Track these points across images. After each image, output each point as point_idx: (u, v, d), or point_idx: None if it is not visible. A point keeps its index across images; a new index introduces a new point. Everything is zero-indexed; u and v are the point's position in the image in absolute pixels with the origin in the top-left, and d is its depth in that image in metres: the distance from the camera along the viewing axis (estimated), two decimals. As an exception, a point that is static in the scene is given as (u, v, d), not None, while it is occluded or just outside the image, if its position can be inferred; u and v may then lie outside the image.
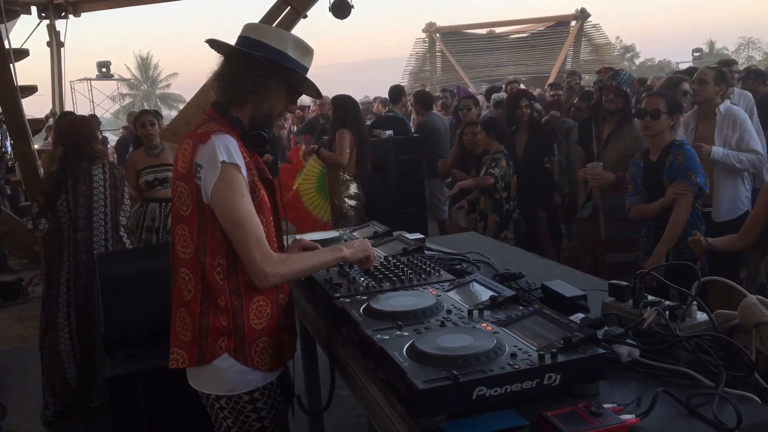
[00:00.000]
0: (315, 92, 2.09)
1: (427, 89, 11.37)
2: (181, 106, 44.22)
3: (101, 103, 24.85)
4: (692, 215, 3.42)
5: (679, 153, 3.39)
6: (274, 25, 7.84)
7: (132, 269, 3.05)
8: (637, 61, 51.76)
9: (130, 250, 3.35)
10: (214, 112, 1.95)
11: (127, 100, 45.36)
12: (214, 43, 2.03)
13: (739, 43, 54.36)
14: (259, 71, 1.90)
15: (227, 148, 1.82)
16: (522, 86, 8.84)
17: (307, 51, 1.98)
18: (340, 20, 8.07)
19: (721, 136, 4.08)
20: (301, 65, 1.97)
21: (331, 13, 8.18)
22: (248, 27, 1.99)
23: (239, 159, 1.84)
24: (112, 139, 16.09)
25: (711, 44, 50.75)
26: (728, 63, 5.85)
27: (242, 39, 1.95)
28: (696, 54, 32.35)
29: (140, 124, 4.79)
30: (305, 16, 8.04)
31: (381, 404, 1.53)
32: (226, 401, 1.92)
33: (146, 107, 42.70)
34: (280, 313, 1.98)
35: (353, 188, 5.42)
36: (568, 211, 5.55)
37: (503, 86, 9.75)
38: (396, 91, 7.35)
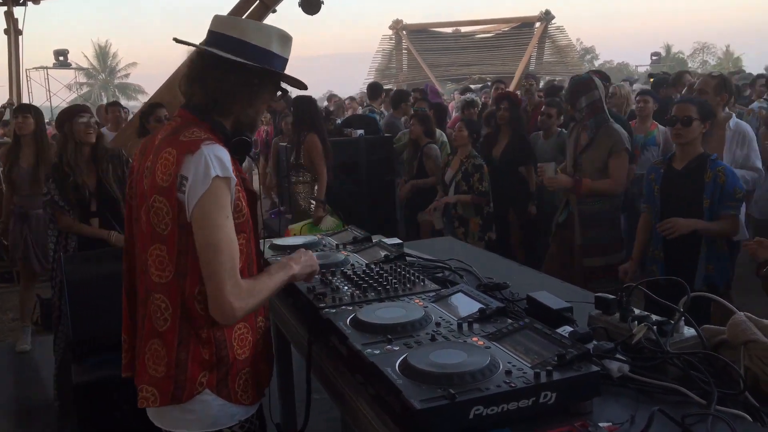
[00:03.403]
0: (299, 84, 1.89)
1: (387, 86, 11.48)
2: (141, 97, 43.61)
3: (58, 92, 24.14)
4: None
5: (719, 170, 3.27)
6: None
7: (100, 271, 2.94)
8: (597, 63, 52.80)
9: (99, 251, 3.24)
10: (191, 115, 1.74)
11: (85, 90, 44.26)
12: (194, 46, 1.83)
13: (695, 47, 56.01)
14: (252, 80, 1.74)
15: (220, 160, 1.64)
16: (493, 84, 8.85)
17: (288, 41, 1.81)
18: (310, 16, 7.99)
19: (730, 152, 3.97)
20: (284, 59, 1.81)
21: (300, 9, 8.09)
22: (224, 22, 1.78)
23: (232, 172, 1.66)
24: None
25: (668, 48, 52.06)
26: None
27: (221, 38, 1.74)
28: (654, 58, 33.16)
29: (156, 118, 4.51)
30: (274, 11, 7.94)
31: (372, 421, 1.51)
32: None
33: (104, 97, 41.88)
34: (260, 339, 1.85)
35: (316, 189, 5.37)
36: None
37: (471, 86, 9.79)
38: (374, 88, 7.33)
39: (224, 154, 1.66)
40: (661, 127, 5.50)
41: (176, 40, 1.88)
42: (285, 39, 1.80)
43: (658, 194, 3.48)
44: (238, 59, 1.71)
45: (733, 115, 4.09)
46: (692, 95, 4.17)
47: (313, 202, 5.25)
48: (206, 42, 1.78)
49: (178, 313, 1.68)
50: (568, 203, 4.26)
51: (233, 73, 1.72)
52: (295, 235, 4.81)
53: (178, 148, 1.66)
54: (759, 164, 4.04)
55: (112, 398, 2.71)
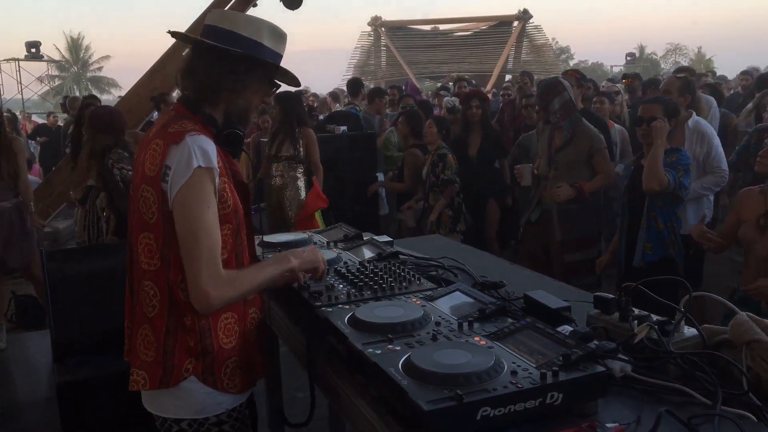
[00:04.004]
0: (293, 81, 1.94)
1: (366, 82, 11.50)
2: (114, 91, 43.04)
3: (29, 85, 23.64)
4: (671, 217, 3.56)
5: (674, 156, 3.44)
6: (223, 12, 7.62)
7: (83, 269, 2.87)
8: (572, 63, 53.33)
9: (82, 248, 3.17)
10: (183, 108, 1.79)
11: (57, 82, 43.47)
12: (182, 36, 1.92)
13: (667, 48, 56.88)
14: (237, 68, 1.77)
15: (204, 150, 1.67)
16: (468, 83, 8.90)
17: (281, 37, 1.84)
18: (292, 11, 7.90)
19: (690, 150, 4.04)
20: (276, 54, 1.84)
21: (282, 3, 8.00)
22: (217, 15, 1.83)
23: (215, 163, 1.69)
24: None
25: (641, 49, 52.71)
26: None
27: (212, 30, 1.78)
28: (629, 58, 33.60)
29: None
30: (255, 5, 7.86)
31: (373, 422, 1.48)
32: (188, 424, 1.77)
33: (77, 90, 41.21)
34: (251, 330, 1.85)
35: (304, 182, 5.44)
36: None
37: (450, 84, 9.77)
38: (355, 84, 7.29)
39: (209, 145, 1.70)
40: (617, 126, 5.62)
41: (171, 33, 1.94)
42: (278, 34, 1.83)
43: (626, 189, 3.67)
44: (221, 45, 1.74)
45: (693, 113, 4.19)
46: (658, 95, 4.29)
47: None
48: (202, 36, 1.81)
49: (166, 301, 1.71)
50: (540, 201, 4.34)
51: (218, 61, 1.76)
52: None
53: (165, 138, 1.70)
54: (723, 164, 4.14)
55: (96, 398, 2.65)
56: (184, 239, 1.66)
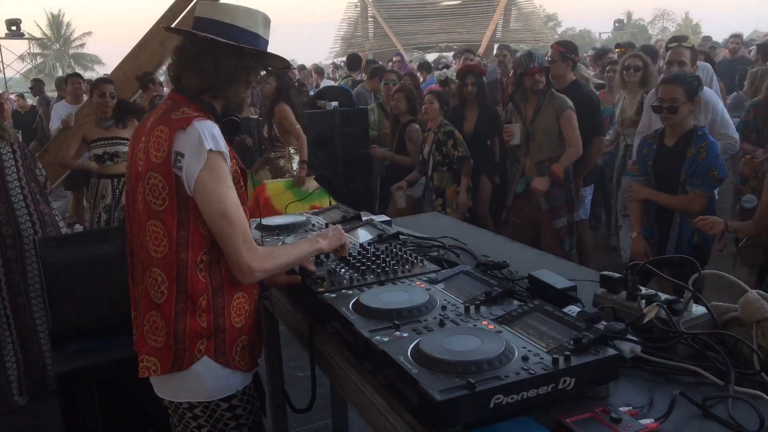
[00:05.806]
0: (282, 63, 1.97)
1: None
2: (98, 67, 42.35)
3: (11, 64, 23.24)
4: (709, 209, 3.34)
5: (702, 146, 3.21)
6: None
7: (79, 255, 2.82)
8: (559, 30, 52.99)
9: (77, 234, 3.12)
10: (181, 96, 1.79)
11: (39, 61, 42.78)
12: (187, 33, 1.85)
13: (655, 14, 56.53)
14: (249, 63, 1.81)
15: (212, 135, 1.69)
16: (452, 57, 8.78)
17: (269, 23, 1.88)
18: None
19: (695, 120, 3.95)
20: (267, 41, 1.87)
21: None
22: (212, 8, 1.81)
23: (224, 147, 1.72)
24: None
25: (629, 15, 52.38)
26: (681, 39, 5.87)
27: (212, 23, 1.77)
28: (617, 24, 33.39)
29: (99, 93, 4.56)
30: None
31: (382, 410, 1.46)
32: (201, 410, 1.81)
33: (59, 68, 40.57)
34: (255, 310, 1.90)
35: (297, 162, 5.27)
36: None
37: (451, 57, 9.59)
38: (354, 59, 7.23)
39: (216, 130, 1.72)
40: None
41: (167, 29, 2.00)
42: (268, 22, 1.88)
43: (651, 170, 3.44)
44: (235, 44, 1.76)
45: None
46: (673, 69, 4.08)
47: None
48: (197, 28, 1.80)
49: (174, 286, 1.73)
50: (524, 173, 4.47)
51: (230, 57, 1.77)
52: (270, 192, 4.80)
53: (170, 125, 1.70)
54: (730, 131, 4.06)
55: (96, 387, 2.63)
56: (214, 221, 1.70)
